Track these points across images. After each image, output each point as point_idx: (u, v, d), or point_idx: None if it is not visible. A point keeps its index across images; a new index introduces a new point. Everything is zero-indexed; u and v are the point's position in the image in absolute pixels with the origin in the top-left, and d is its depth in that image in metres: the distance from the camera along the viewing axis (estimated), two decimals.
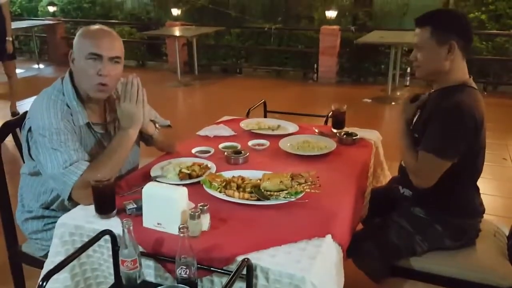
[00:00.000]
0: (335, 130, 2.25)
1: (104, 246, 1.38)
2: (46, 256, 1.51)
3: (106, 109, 1.78)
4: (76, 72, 1.65)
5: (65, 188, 1.54)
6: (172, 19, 8.56)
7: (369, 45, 6.73)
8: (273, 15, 8.54)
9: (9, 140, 1.87)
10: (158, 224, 1.37)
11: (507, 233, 1.91)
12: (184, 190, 1.39)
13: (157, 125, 1.89)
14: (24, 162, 1.77)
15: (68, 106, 1.64)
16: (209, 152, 1.98)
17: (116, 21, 9.15)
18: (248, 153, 1.92)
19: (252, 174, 1.68)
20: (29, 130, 1.61)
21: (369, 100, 6.11)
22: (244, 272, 1.15)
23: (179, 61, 7.09)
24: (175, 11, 8.62)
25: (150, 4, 9.72)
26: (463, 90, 1.69)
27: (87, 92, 1.65)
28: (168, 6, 8.96)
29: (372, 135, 2.25)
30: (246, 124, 2.37)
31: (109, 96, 1.73)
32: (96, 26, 1.67)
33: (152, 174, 1.73)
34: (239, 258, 1.21)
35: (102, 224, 1.39)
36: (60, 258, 1.34)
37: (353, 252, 1.62)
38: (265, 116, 2.74)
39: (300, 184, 1.56)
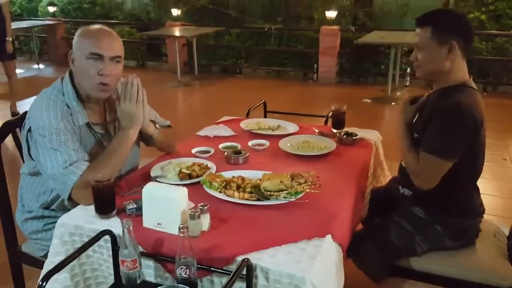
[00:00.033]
0: (335, 130, 2.25)
1: (104, 246, 1.38)
2: (46, 256, 1.51)
3: (106, 109, 1.78)
4: (76, 72, 1.65)
5: (65, 188, 1.54)
6: (172, 19, 8.56)
7: (369, 45, 6.73)
8: (273, 15, 8.54)
9: (9, 140, 1.87)
10: (158, 224, 1.37)
11: (507, 233, 1.91)
12: (184, 190, 1.39)
13: (157, 125, 1.89)
14: (24, 162, 1.77)
15: (68, 106, 1.64)
16: (209, 152, 1.98)
17: (116, 21, 9.15)
18: (248, 153, 1.92)
19: (252, 174, 1.68)
20: (29, 130, 1.61)
21: (369, 100, 6.11)
22: (244, 272, 1.15)
23: (179, 61, 7.10)
24: (175, 11, 8.62)
25: (150, 5, 9.73)
26: (463, 90, 1.69)
27: (88, 92, 1.65)
28: (168, 7, 8.96)
29: (372, 135, 2.25)
30: (246, 124, 2.37)
31: (109, 96, 1.73)
32: (96, 26, 1.67)
33: (152, 174, 1.73)
34: (239, 258, 1.21)
35: (102, 224, 1.39)
36: (60, 258, 1.34)
37: (353, 252, 1.62)
38: (265, 116, 2.74)
39: (300, 184, 1.56)
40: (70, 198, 1.55)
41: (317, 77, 7.34)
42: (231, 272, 1.11)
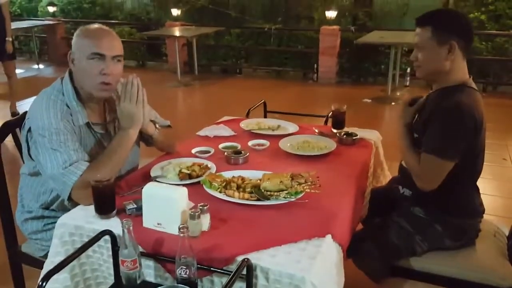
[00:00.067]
0: (335, 130, 2.25)
1: (104, 246, 1.38)
2: (46, 256, 1.51)
3: (105, 109, 1.78)
4: (77, 72, 1.65)
5: (64, 188, 1.53)
6: (172, 19, 8.56)
7: (369, 45, 6.73)
8: (273, 15, 8.54)
9: (9, 140, 1.87)
10: (158, 224, 1.37)
11: (507, 233, 1.91)
12: (184, 190, 1.39)
13: (157, 125, 1.89)
14: (24, 163, 1.77)
15: (68, 106, 1.64)
16: (209, 152, 1.98)
17: (116, 21, 9.14)
18: (248, 153, 1.92)
19: (252, 174, 1.68)
20: (29, 130, 1.61)
21: (369, 100, 6.11)
22: (244, 272, 1.15)
23: (179, 61, 7.10)
24: (175, 11, 8.61)
25: (150, 5, 9.73)
26: (463, 90, 1.69)
27: (90, 91, 1.65)
28: (168, 7, 8.96)
29: (372, 135, 2.25)
30: (246, 124, 2.37)
31: (110, 95, 1.73)
32: (95, 26, 1.67)
33: (152, 174, 1.73)
34: (239, 258, 1.21)
35: (102, 224, 1.39)
36: (60, 258, 1.34)
37: (353, 252, 1.63)
38: (265, 116, 2.74)
39: (300, 184, 1.56)
40: (70, 198, 1.55)
41: (317, 77, 7.34)
42: (231, 272, 1.11)
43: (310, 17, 8.38)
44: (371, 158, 2.11)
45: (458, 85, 1.71)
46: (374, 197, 2.00)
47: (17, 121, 1.82)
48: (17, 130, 1.83)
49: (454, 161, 1.65)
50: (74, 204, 1.56)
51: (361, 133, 2.20)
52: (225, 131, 2.29)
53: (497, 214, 2.94)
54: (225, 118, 2.56)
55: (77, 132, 1.65)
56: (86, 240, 1.33)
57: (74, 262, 1.37)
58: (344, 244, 1.42)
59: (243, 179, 1.63)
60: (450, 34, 1.67)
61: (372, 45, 6.69)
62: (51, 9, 9.58)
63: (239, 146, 2.05)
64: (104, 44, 1.61)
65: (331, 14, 7.65)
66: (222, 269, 1.22)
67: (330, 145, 2.05)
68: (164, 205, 1.35)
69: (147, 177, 1.71)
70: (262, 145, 2.09)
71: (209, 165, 1.80)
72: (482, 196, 1.83)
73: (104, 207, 1.45)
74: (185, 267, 1.17)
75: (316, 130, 2.28)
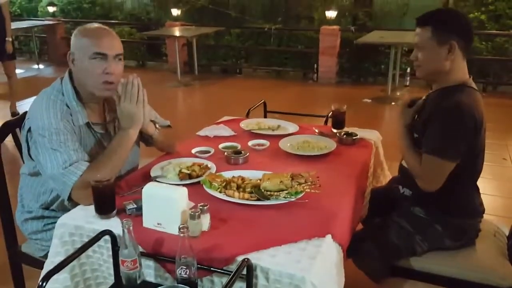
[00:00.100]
0: (335, 130, 2.25)
1: (104, 246, 1.38)
2: (46, 256, 1.51)
3: (105, 109, 1.78)
4: (78, 73, 1.65)
5: (64, 188, 1.53)
6: (172, 19, 8.56)
7: (369, 45, 6.73)
8: (273, 15, 8.54)
9: (9, 140, 1.87)
10: (158, 224, 1.37)
11: (507, 233, 1.91)
12: (184, 190, 1.39)
13: (157, 125, 1.89)
14: (24, 163, 1.77)
15: (68, 106, 1.64)
16: (209, 152, 1.98)
17: (116, 21, 9.15)
18: (248, 153, 1.92)
19: (252, 174, 1.68)
20: (29, 130, 1.61)
21: (369, 100, 6.11)
22: (244, 272, 1.15)
23: (179, 61, 7.10)
24: (175, 11, 8.61)
25: (150, 5, 9.73)
26: (463, 90, 1.69)
27: (93, 91, 1.65)
28: (168, 7, 8.96)
29: (372, 135, 2.25)
30: (246, 124, 2.37)
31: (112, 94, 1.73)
32: (94, 25, 1.67)
33: (152, 174, 1.73)
34: (239, 258, 1.21)
35: (102, 224, 1.39)
36: (60, 258, 1.34)
37: (353, 252, 1.63)
38: (265, 116, 2.74)
39: (300, 184, 1.56)
40: (70, 198, 1.55)
41: (317, 77, 7.34)
42: (231, 272, 1.11)
43: (310, 17, 8.38)
44: (371, 158, 2.11)
45: (458, 85, 1.71)
46: (374, 197, 2.00)
47: (17, 121, 1.82)
48: (17, 130, 1.83)
49: (455, 161, 1.65)
50: (74, 204, 1.56)
51: (361, 133, 2.20)
52: (225, 131, 2.29)
53: (497, 214, 2.94)
54: (225, 118, 2.56)
55: (77, 132, 1.64)
56: (86, 240, 1.33)
57: (74, 262, 1.37)
58: (344, 244, 1.42)
59: (243, 179, 1.63)
60: (450, 34, 1.67)
61: (372, 45, 6.69)
62: (51, 9, 9.58)
63: (239, 146, 2.05)
64: (105, 43, 1.61)
65: (331, 14, 7.65)
66: (222, 269, 1.22)
67: (330, 145, 2.05)
68: (164, 205, 1.35)
69: (147, 177, 1.71)
70: (262, 145, 2.09)
71: (209, 165, 1.80)
72: (482, 196, 1.83)
73: (104, 207, 1.45)
74: (185, 267, 1.17)
75: (316, 130, 2.28)
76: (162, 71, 8.22)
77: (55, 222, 1.47)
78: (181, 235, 1.16)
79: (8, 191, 1.84)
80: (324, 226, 1.39)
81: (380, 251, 1.76)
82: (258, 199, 1.51)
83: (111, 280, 1.38)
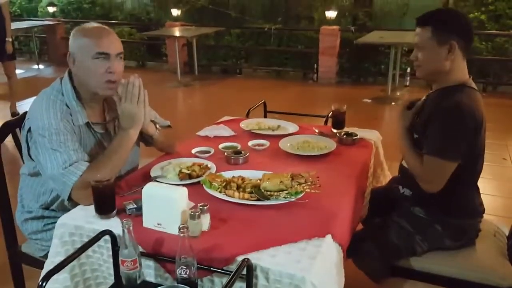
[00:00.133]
0: (335, 130, 2.25)
1: (104, 246, 1.38)
2: (46, 256, 1.51)
3: (104, 109, 1.78)
4: (79, 73, 1.65)
5: (64, 188, 1.53)
6: (172, 19, 8.55)
7: (369, 45, 6.73)
8: (273, 15, 8.54)
9: (9, 140, 1.87)
10: (158, 224, 1.37)
11: (507, 233, 1.91)
12: (184, 190, 1.39)
13: (157, 126, 1.89)
14: (23, 163, 1.77)
15: (68, 106, 1.64)
16: (209, 152, 1.98)
17: (116, 21, 9.14)
18: (248, 153, 1.92)
19: (252, 174, 1.68)
20: (29, 130, 1.61)
21: (369, 100, 6.10)
22: (244, 272, 1.15)
23: (179, 62, 7.10)
24: (175, 12, 8.61)
25: (150, 5, 9.73)
26: (463, 90, 1.69)
27: (96, 91, 1.65)
28: (168, 7, 8.96)
29: (372, 135, 2.25)
30: (246, 124, 2.37)
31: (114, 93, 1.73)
32: (93, 24, 1.67)
33: (152, 174, 1.73)
34: (239, 258, 1.21)
35: (102, 224, 1.39)
36: (60, 258, 1.34)
37: (353, 252, 1.63)
38: (265, 116, 2.74)
39: (300, 184, 1.56)
40: (70, 199, 1.55)
41: (317, 77, 7.34)
42: (231, 272, 1.11)
43: (310, 17, 8.38)
44: (371, 158, 2.11)
45: (458, 85, 1.71)
46: (374, 197, 2.00)
47: (17, 121, 1.82)
48: (17, 130, 1.83)
49: (456, 161, 1.64)
50: (74, 204, 1.56)
51: (361, 133, 2.20)
52: (225, 131, 2.29)
53: (497, 214, 2.94)
54: (225, 118, 2.56)
55: (77, 132, 1.65)
56: (86, 240, 1.33)
57: (74, 262, 1.37)
58: (344, 244, 1.42)
59: (243, 179, 1.63)
60: (450, 34, 1.67)
61: (372, 45, 6.69)
62: (51, 9, 9.58)
63: (239, 146, 2.05)
64: (106, 43, 1.61)
65: (331, 14, 7.65)
66: (222, 269, 1.22)
67: (330, 145, 2.05)
68: (164, 205, 1.35)
69: (147, 177, 1.71)
70: (262, 145, 2.09)
71: (209, 165, 1.80)
72: (482, 196, 1.83)
73: (104, 207, 1.45)
74: (185, 267, 1.17)
75: (316, 130, 2.28)
76: (162, 71, 8.22)
77: (55, 222, 1.47)
78: (181, 235, 1.16)
79: (8, 191, 1.84)
80: (324, 226, 1.39)
81: (380, 251, 1.76)
82: (258, 199, 1.51)
83: (111, 280, 1.38)
